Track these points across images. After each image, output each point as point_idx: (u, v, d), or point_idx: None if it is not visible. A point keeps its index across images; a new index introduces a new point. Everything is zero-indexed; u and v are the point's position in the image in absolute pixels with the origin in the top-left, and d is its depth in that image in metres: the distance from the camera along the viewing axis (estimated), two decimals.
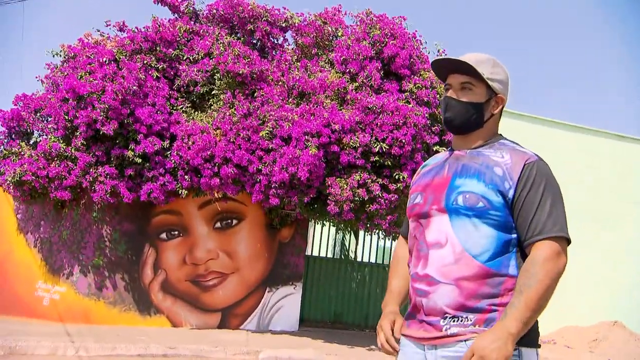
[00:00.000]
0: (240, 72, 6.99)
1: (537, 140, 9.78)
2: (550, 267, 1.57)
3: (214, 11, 7.74)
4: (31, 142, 7.61)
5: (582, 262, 9.61)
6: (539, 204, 1.63)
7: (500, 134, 1.86)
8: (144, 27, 7.52)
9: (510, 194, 1.65)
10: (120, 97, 6.70)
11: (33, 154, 7.03)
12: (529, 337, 1.62)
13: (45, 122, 7.45)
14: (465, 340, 1.63)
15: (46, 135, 7.33)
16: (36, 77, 7.64)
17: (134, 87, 6.87)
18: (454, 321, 1.65)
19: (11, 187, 7.20)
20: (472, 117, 1.79)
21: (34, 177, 6.96)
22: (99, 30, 7.76)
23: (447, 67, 1.84)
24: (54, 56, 7.66)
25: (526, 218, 1.64)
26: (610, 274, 10.08)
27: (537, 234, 1.61)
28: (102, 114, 6.64)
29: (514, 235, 1.68)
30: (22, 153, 7.19)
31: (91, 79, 6.82)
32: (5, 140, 7.45)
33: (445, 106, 1.84)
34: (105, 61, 7.08)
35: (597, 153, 10.61)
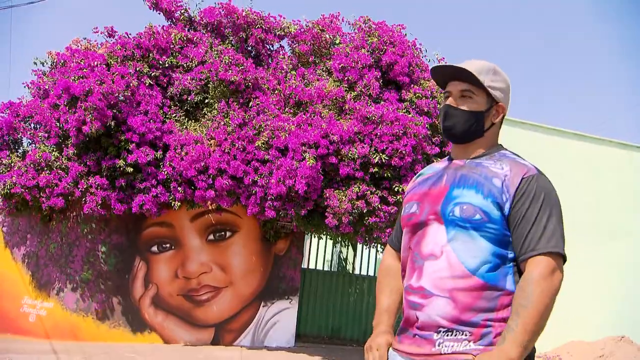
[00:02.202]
0: (232, 79, 6.82)
1: (540, 150, 9.63)
2: (545, 286, 1.54)
3: (207, 19, 7.56)
4: (20, 151, 7.43)
5: (588, 275, 9.45)
6: (535, 219, 1.60)
7: (501, 144, 1.83)
8: (136, 34, 7.38)
9: (507, 207, 1.62)
10: (106, 100, 6.50)
11: (22, 165, 6.86)
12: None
13: (34, 129, 7.27)
14: None
15: (36, 144, 7.14)
16: (23, 84, 7.46)
17: (126, 93, 6.70)
18: (447, 335, 1.61)
19: (0, 200, 7.01)
20: (472, 126, 1.76)
21: (23, 189, 6.77)
22: (85, 39, 7.59)
23: (446, 75, 1.81)
24: (42, 64, 7.49)
25: (521, 233, 1.61)
26: (617, 286, 9.91)
27: (531, 250, 1.58)
28: (88, 114, 6.44)
29: (511, 250, 1.64)
30: (12, 164, 7.00)
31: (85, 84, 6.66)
32: None
33: (444, 115, 1.81)
34: (97, 64, 6.89)
35: (602, 162, 10.47)
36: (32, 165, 6.82)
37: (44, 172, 6.83)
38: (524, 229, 1.60)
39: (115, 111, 6.69)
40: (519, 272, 1.63)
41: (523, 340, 1.50)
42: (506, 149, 1.81)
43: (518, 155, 1.77)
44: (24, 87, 7.47)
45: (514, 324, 1.52)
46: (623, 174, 10.45)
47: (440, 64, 1.81)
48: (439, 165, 1.89)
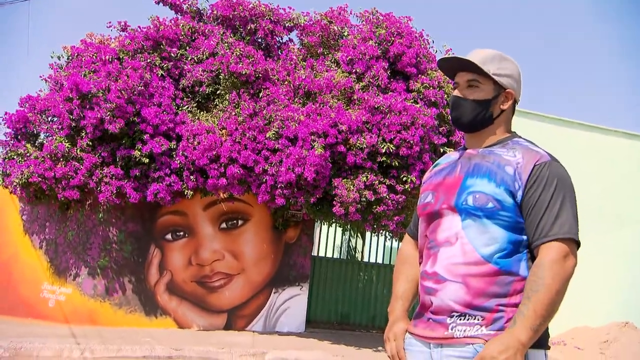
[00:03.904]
0: (244, 72, 6.96)
1: (547, 140, 9.69)
2: (557, 271, 1.54)
3: (215, 11, 7.70)
4: (37, 143, 7.61)
5: (593, 262, 9.50)
6: (547, 205, 1.60)
7: (514, 132, 1.83)
8: (145, 27, 7.52)
9: (519, 194, 1.63)
10: (125, 96, 6.69)
11: (39, 155, 7.05)
12: (538, 339, 1.58)
13: (51, 122, 7.46)
14: (472, 344, 1.61)
15: (52, 136, 7.33)
16: (40, 77, 7.65)
17: (140, 87, 6.87)
18: (460, 319, 1.63)
19: (18, 189, 7.21)
20: (479, 114, 1.77)
21: (40, 179, 6.96)
22: (100, 34, 7.76)
23: (453, 66, 1.83)
24: (59, 58, 7.67)
25: (534, 220, 1.61)
26: (622, 273, 9.98)
27: (544, 236, 1.59)
28: (108, 113, 6.63)
29: (525, 237, 1.65)
30: (28, 154, 7.19)
31: (95, 77, 6.84)
32: (11, 142, 7.44)
33: (452, 105, 1.83)
34: (109, 59, 7.06)
35: (609, 152, 10.51)
36: (48, 155, 7.00)
37: (60, 163, 7.00)
38: (537, 215, 1.61)
39: (134, 108, 6.85)
40: (533, 258, 1.64)
41: (534, 324, 1.52)
42: (520, 137, 1.81)
43: (532, 143, 1.78)
44: (42, 80, 7.67)
45: (525, 308, 1.54)
46: (631, 163, 10.50)
47: (446, 56, 1.83)
48: (453, 155, 1.91)
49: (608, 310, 9.50)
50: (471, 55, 1.78)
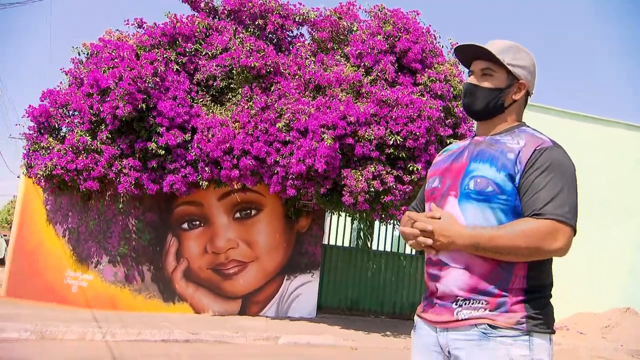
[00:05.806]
0: (253, 65, 7.14)
1: (552, 132, 9.79)
2: (536, 239, 1.53)
3: (226, 7, 7.89)
4: (59, 136, 7.83)
5: (599, 252, 9.64)
6: (544, 186, 1.57)
7: (523, 122, 1.83)
8: (162, 24, 7.72)
9: (518, 177, 1.62)
10: (135, 85, 6.88)
11: (61, 148, 7.28)
12: (542, 322, 1.60)
13: (72, 116, 7.68)
14: (476, 325, 1.61)
15: (73, 129, 7.56)
16: (61, 69, 7.90)
17: (156, 79, 7.08)
18: (465, 304, 1.64)
19: (42, 180, 7.47)
20: (490, 102, 1.78)
21: (63, 171, 7.22)
22: (118, 30, 8.00)
23: (469, 54, 1.84)
24: (79, 54, 7.91)
25: (529, 200, 1.59)
26: (629, 263, 10.08)
27: (537, 213, 1.56)
28: (120, 99, 6.82)
29: None
30: (51, 147, 7.44)
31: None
32: (34, 135, 7.70)
33: (464, 92, 1.85)
34: (127, 54, 7.28)
35: (615, 144, 10.57)
36: (70, 148, 7.23)
37: (81, 156, 7.23)
38: (532, 196, 1.58)
39: (145, 96, 7.05)
40: None
41: (478, 244, 1.57)
42: (527, 126, 1.80)
43: (537, 131, 1.76)
44: (62, 73, 7.87)
45: (489, 229, 1.58)
46: (636, 154, 10.57)
47: (462, 43, 1.81)
48: (463, 142, 1.92)
49: (613, 299, 9.61)
50: (488, 44, 1.78)
